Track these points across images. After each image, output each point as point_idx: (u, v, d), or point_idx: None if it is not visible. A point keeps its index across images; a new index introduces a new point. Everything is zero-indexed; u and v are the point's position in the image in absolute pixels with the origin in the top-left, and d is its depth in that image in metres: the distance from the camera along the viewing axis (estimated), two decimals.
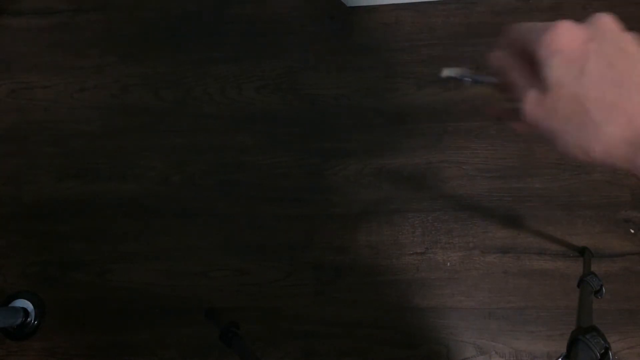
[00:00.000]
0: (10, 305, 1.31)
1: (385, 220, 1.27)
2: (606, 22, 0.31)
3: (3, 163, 1.40)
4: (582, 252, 1.20)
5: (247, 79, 1.36)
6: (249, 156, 1.33)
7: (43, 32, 1.43)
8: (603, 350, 0.62)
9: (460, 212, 1.26)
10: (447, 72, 0.41)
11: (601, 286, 0.93)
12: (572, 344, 0.65)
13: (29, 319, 1.30)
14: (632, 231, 1.21)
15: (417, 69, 1.30)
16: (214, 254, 1.31)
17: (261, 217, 1.31)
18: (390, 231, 1.27)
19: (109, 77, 1.39)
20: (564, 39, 0.30)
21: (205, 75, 1.37)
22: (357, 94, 1.31)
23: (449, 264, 1.25)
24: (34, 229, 1.37)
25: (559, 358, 0.65)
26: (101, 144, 1.38)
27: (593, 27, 0.31)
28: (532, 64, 0.33)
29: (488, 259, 1.24)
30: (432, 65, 1.30)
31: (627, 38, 0.31)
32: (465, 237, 1.25)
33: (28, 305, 1.31)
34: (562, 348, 0.67)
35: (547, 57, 0.31)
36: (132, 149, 1.37)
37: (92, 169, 1.37)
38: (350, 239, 1.28)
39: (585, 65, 0.30)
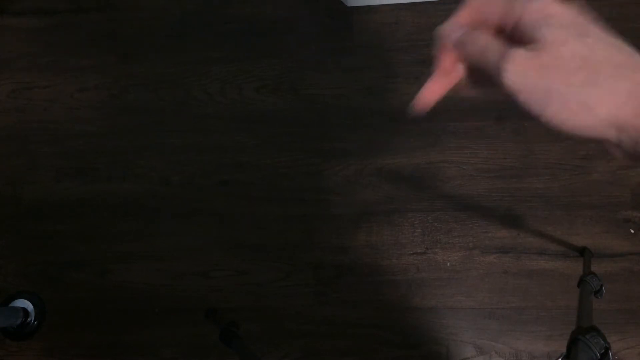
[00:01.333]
0: (10, 305, 1.31)
1: (385, 220, 1.27)
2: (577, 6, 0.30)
3: (3, 163, 1.40)
4: (582, 252, 1.20)
5: (247, 79, 1.36)
6: (249, 156, 1.33)
7: (43, 32, 1.43)
8: (603, 350, 0.62)
9: (460, 212, 1.26)
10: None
11: (601, 286, 0.93)
12: (572, 344, 0.65)
13: (29, 319, 1.30)
14: (632, 231, 1.21)
15: (417, 69, 1.30)
16: (214, 254, 1.31)
17: (261, 217, 1.31)
18: (390, 231, 1.27)
19: (109, 77, 1.39)
20: (554, 8, 0.29)
21: (205, 75, 1.37)
22: (357, 94, 1.31)
23: (449, 264, 1.25)
24: (34, 229, 1.37)
25: (559, 358, 0.65)
26: (101, 144, 1.38)
27: (569, 5, 0.30)
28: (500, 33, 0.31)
29: (488, 259, 1.24)
30: (432, 65, 1.30)
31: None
32: (465, 237, 1.25)
33: (28, 305, 1.31)
34: (562, 348, 0.67)
35: (542, 19, 0.29)
36: (132, 149, 1.37)
37: (92, 169, 1.37)
38: (350, 239, 1.28)
39: (586, 28, 0.29)
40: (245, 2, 1.38)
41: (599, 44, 0.28)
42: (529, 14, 0.30)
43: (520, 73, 0.28)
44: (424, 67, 1.30)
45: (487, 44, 0.31)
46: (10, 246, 1.37)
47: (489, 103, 1.25)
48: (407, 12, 1.32)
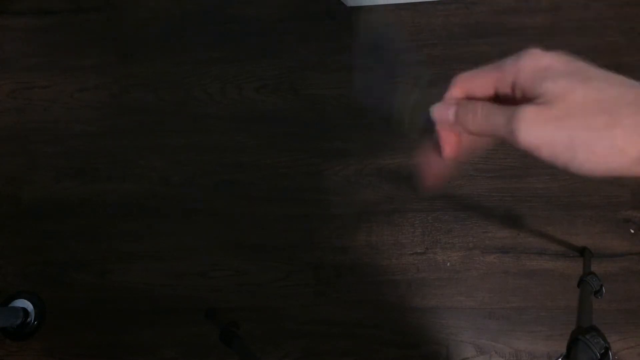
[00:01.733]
0: (10, 305, 1.31)
1: (385, 220, 1.27)
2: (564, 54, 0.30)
3: (3, 163, 1.40)
4: (582, 252, 1.20)
5: (247, 79, 1.36)
6: (249, 156, 1.33)
7: (43, 32, 1.43)
8: (603, 350, 0.62)
9: (460, 212, 1.26)
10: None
11: (601, 286, 0.93)
12: (572, 344, 0.65)
13: (29, 319, 1.30)
14: (632, 231, 1.21)
15: (417, 69, 1.30)
16: (214, 254, 1.31)
17: (261, 217, 1.31)
18: (390, 231, 1.27)
19: (109, 77, 1.39)
20: (546, 60, 0.29)
21: (205, 75, 1.37)
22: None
23: (449, 264, 1.25)
24: (34, 229, 1.37)
25: (559, 358, 0.65)
26: (101, 144, 1.38)
27: (558, 53, 0.30)
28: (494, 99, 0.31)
29: (488, 259, 1.24)
30: (432, 65, 1.30)
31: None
32: (465, 237, 1.25)
33: (28, 305, 1.31)
34: (562, 348, 0.67)
35: (539, 73, 0.29)
36: (132, 149, 1.37)
37: (92, 169, 1.37)
38: (350, 239, 1.28)
39: (586, 72, 0.28)
40: (246, 2, 1.38)
41: (606, 85, 0.27)
42: (524, 72, 0.29)
43: (535, 129, 0.27)
44: (424, 67, 1.30)
45: (489, 110, 0.30)
46: (10, 246, 1.37)
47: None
48: (407, 12, 1.32)
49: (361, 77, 0.36)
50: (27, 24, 1.44)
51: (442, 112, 0.33)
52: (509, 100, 0.31)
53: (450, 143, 0.34)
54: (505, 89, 0.31)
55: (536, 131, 0.27)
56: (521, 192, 1.24)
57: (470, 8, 1.30)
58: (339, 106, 1.32)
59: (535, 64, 0.29)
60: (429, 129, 0.35)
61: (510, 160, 1.25)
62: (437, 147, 0.35)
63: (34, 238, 1.37)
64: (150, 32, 1.40)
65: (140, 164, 1.36)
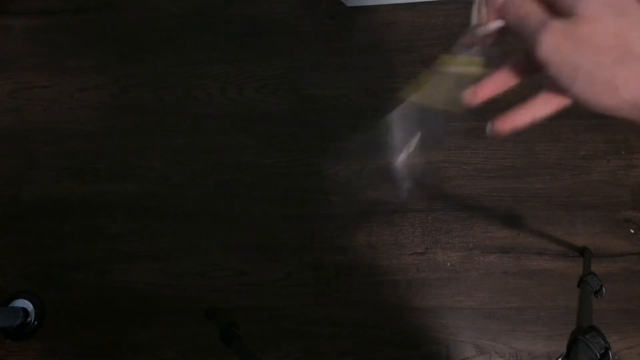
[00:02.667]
0: (10, 305, 1.31)
1: (385, 220, 1.27)
2: None
3: (3, 163, 1.40)
4: (582, 252, 1.20)
5: (247, 79, 1.36)
6: (249, 156, 1.33)
7: (43, 32, 1.43)
8: (603, 350, 0.62)
9: (460, 212, 1.26)
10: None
11: (601, 286, 0.93)
12: (572, 344, 0.65)
13: (29, 319, 1.30)
14: (632, 231, 1.21)
15: (417, 69, 1.30)
16: (214, 254, 1.31)
17: (261, 217, 1.31)
18: (390, 231, 1.27)
19: (109, 77, 1.39)
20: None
21: (205, 75, 1.37)
22: (357, 94, 1.31)
23: (449, 264, 1.25)
24: (34, 229, 1.37)
25: (559, 358, 0.65)
26: (101, 144, 1.38)
27: None
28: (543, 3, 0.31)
29: (488, 259, 1.24)
30: (432, 65, 1.30)
31: None
32: (465, 237, 1.25)
33: (28, 305, 1.31)
34: (562, 348, 0.67)
35: None
36: (132, 149, 1.37)
37: (92, 169, 1.37)
38: (350, 239, 1.28)
39: (627, 6, 0.28)
40: (245, 2, 1.38)
41: (634, 24, 0.27)
42: None
43: (554, 45, 0.28)
44: (424, 67, 1.30)
45: (529, 11, 0.31)
46: (10, 246, 1.37)
47: (489, 103, 1.24)
48: (407, 12, 1.32)
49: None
50: (27, 24, 1.44)
51: None
52: (552, 7, 0.31)
53: (486, 22, 0.36)
54: None
55: (553, 48, 0.28)
56: (521, 192, 1.24)
57: (470, 8, 1.30)
58: (339, 106, 1.32)
59: None
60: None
61: (510, 160, 1.25)
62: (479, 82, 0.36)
63: (34, 238, 1.37)
64: (150, 32, 1.40)
65: (140, 164, 1.36)
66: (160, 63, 1.38)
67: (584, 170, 1.23)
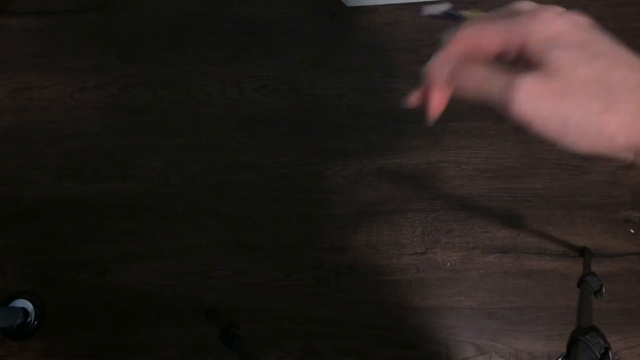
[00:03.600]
0: (10, 305, 1.31)
1: (385, 220, 1.27)
2: (581, 17, 0.29)
3: (3, 163, 1.40)
4: (582, 252, 1.20)
5: (247, 79, 1.36)
6: (249, 156, 1.33)
7: (43, 32, 1.43)
8: (603, 350, 0.62)
9: (460, 212, 1.26)
10: (428, 10, 0.36)
11: (601, 286, 0.93)
12: (572, 344, 0.65)
13: (28, 319, 1.30)
14: (632, 231, 1.21)
15: (417, 69, 1.30)
16: (214, 254, 1.31)
17: (261, 217, 1.31)
18: (390, 231, 1.27)
19: (109, 77, 1.39)
20: (557, 25, 0.28)
21: (205, 75, 1.37)
22: (357, 94, 1.31)
23: (449, 264, 1.25)
24: (34, 229, 1.37)
25: (559, 358, 0.65)
26: (101, 144, 1.38)
27: (574, 18, 0.29)
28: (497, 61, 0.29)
29: (488, 259, 1.24)
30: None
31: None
32: (465, 237, 1.25)
33: (28, 305, 1.31)
34: (562, 348, 0.67)
35: (549, 39, 0.27)
36: (132, 149, 1.37)
37: (92, 169, 1.37)
38: (350, 239, 1.28)
39: (597, 47, 0.27)
40: (245, 2, 1.38)
41: (612, 65, 0.27)
42: (535, 35, 0.28)
43: (532, 102, 0.27)
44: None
45: (486, 75, 0.29)
46: (10, 246, 1.37)
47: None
48: (407, 12, 1.32)
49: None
50: (27, 24, 1.44)
51: (438, 68, 0.31)
52: (513, 60, 0.30)
53: (437, 100, 0.32)
54: (512, 50, 0.29)
55: (532, 105, 0.27)
56: (521, 192, 1.24)
57: (470, 8, 1.30)
58: (339, 106, 1.32)
59: (548, 28, 0.28)
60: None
61: (510, 160, 1.25)
62: (425, 96, 0.33)
63: (34, 238, 1.37)
64: (150, 32, 1.40)
65: (140, 164, 1.36)
66: (160, 63, 1.38)
67: (584, 170, 1.23)
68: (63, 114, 1.39)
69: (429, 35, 1.31)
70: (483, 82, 0.29)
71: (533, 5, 0.30)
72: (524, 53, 0.29)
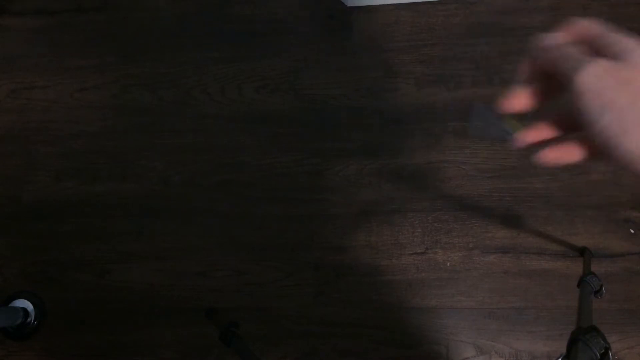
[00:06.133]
0: (10, 305, 1.31)
1: (385, 220, 1.27)
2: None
3: (3, 163, 1.40)
4: (582, 252, 1.20)
5: (247, 79, 1.36)
6: (249, 156, 1.33)
7: (43, 32, 1.43)
8: (603, 350, 0.62)
9: (460, 212, 1.26)
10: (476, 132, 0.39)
11: (601, 286, 0.94)
12: (572, 344, 0.65)
13: (28, 319, 1.30)
14: (632, 231, 1.21)
15: (417, 69, 1.30)
16: (214, 254, 1.31)
17: (261, 217, 1.31)
18: (390, 231, 1.27)
19: (109, 77, 1.39)
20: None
21: (205, 75, 1.37)
22: (357, 94, 1.31)
23: (449, 264, 1.25)
24: (34, 229, 1.37)
25: (558, 358, 0.66)
26: (101, 144, 1.38)
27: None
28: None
29: (488, 259, 1.24)
30: (432, 65, 1.30)
31: None
32: (465, 237, 1.25)
33: (28, 305, 1.31)
34: (562, 348, 0.67)
35: (636, 45, 0.29)
36: (132, 149, 1.37)
37: (92, 169, 1.37)
38: (350, 239, 1.28)
39: None
40: (245, 2, 1.38)
41: None
42: (625, 42, 0.30)
43: (595, 76, 0.28)
44: (424, 67, 1.30)
45: (574, 53, 0.31)
46: (10, 246, 1.37)
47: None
48: (407, 12, 1.32)
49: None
50: (27, 24, 1.44)
51: (542, 40, 0.33)
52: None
53: (524, 72, 0.35)
54: (600, 50, 0.31)
55: (594, 79, 0.28)
56: (521, 192, 1.24)
57: (470, 8, 1.30)
58: (339, 106, 1.32)
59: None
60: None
61: (510, 160, 1.25)
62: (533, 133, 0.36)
63: (34, 238, 1.37)
64: (150, 32, 1.40)
65: (140, 164, 1.36)
66: (160, 63, 1.38)
67: (584, 170, 1.23)
68: (63, 114, 1.39)
69: (429, 35, 1.31)
70: (568, 56, 0.31)
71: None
72: (610, 52, 0.30)
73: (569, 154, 0.35)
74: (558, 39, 0.33)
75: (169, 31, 1.40)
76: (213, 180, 1.34)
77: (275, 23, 1.36)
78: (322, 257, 1.28)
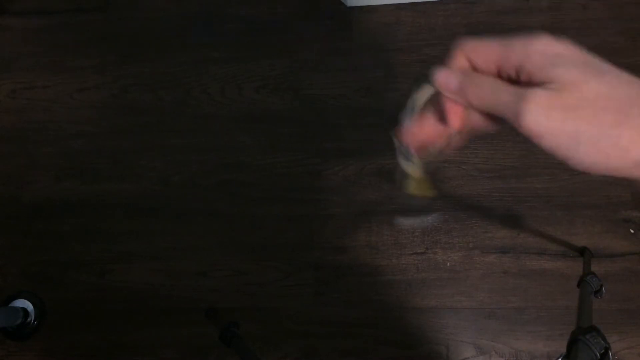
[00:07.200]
0: (10, 305, 1.31)
1: (385, 220, 1.27)
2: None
3: (3, 163, 1.40)
4: (582, 252, 1.20)
5: (247, 79, 1.36)
6: (249, 156, 1.33)
7: (43, 32, 1.43)
8: (603, 350, 0.62)
9: (460, 212, 1.26)
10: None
11: (601, 286, 0.93)
12: (572, 344, 0.65)
13: (28, 319, 1.30)
14: (632, 231, 1.21)
15: (417, 69, 1.30)
16: (214, 254, 1.31)
17: (261, 217, 1.31)
18: (390, 231, 1.27)
19: (109, 77, 1.39)
20: (558, 47, 0.28)
21: (205, 75, 1.37)
22: (357, 94, 1.31)
23: (449, 264, 1.25)
24: (34, 229, 1.37)
25: (558, 358, 0.65)
26: (101, 144, 1.38)
27: (568, 42, 0.29)
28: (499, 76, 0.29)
29: (488, 259, 1.24)
30: (432, 65, 1.30)
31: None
32: (465, 237, 1.25)
33: (28, 305, 1.31)
34: (562, 348, 0.67)
35: (551, 58, 0.27)
36: (132, 149, 1.37)
37: (92, 169, 1.37)
38: (350, 239, 1.28)
39: (599, 66, 0.27)
40: (245, 2, 1.38)
41: (618, 82, 0.27)
42: (535, 56, 0.28)
43: (543, 116, 0.27)
44: (424, 67, 1.30)
45: (495, 85, 0.29)
46: (10, 246, 1.37)
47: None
48: (407, 12, 1.32)
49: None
50: (27, 24, 1.44)
51: (445, 79, 0.31)
52: (510, 81, 0.30)
53: (456, 113, 0.32)
54: (509, 69, 0.29)
55: (543, 118, 0.27)
56: (521, 192, 1.24)
57: (470, 8, 1.30)
58: (339, 106, 1.32)
59: (547, 49, 0.28)
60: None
61: (510, 160, 1.25)
62: (440, 115, 0.33)
63: (34, 238, 1.37)
64: (151, 32, 1.40)
65: (140, 164, 1.36)
66: (160, 63, 1.38)
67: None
68: (63, 114, 1.39)
69: (429, 35, 1.31)
70: (494, 93, 0.29)
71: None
72: (522, 72, 0.29)
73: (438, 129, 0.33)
74: (460, 71, 0.31)
75: (169, 31, 1.40)
76: (213, 180, 1.34)
77: (275, 23, 1.36)
78: (322, 257, 1.28)
